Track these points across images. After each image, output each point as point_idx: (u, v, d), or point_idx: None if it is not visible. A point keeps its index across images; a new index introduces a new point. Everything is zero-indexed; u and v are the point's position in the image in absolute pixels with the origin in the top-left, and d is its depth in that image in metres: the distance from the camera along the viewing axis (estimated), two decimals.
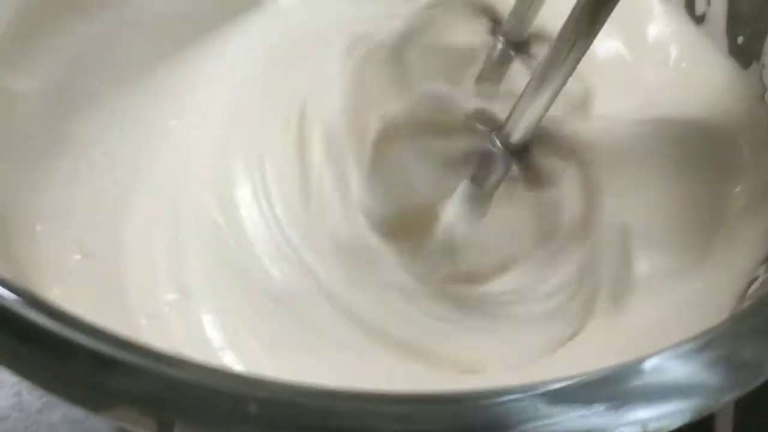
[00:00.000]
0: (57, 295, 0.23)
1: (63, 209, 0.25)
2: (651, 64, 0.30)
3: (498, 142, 0.27)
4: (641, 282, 0.25)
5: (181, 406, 0.14)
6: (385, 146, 0.26)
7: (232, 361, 0.23)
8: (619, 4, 0.29)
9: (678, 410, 0.15)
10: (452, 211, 0.26)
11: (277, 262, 0.24)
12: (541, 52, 0.30)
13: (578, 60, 0.23)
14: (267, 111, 0.28)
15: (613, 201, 0.26)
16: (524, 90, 0.25)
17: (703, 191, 0.26)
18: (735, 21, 0.28)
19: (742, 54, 0.28)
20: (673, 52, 0.30)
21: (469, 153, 0.27)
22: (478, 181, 0.27)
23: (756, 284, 0.20)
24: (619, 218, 0.26)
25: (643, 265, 0.25)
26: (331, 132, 0.26)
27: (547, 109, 0.25)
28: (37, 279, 0.23)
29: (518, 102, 0.25)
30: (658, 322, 0.23)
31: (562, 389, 0.15)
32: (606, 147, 0.27)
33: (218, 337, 0.23)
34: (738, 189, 0.26)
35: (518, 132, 0.26)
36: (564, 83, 0.24)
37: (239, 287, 0.24)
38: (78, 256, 0.24)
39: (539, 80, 0.24)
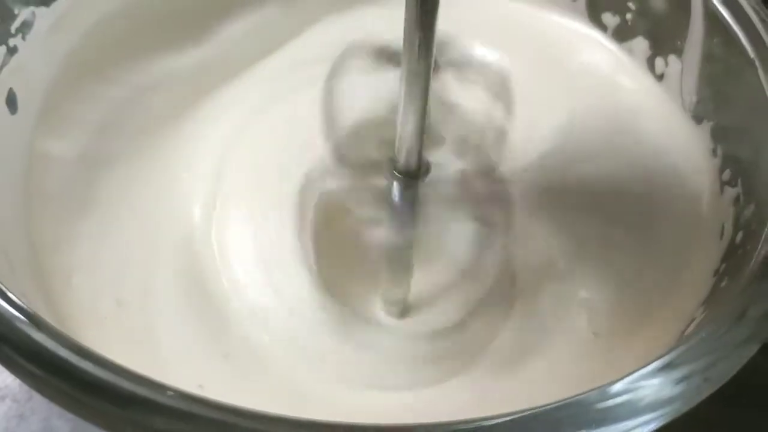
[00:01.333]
0: (93, 337, 0.24)
1: (96, 262, 0.27)
2: (614, 113, 0.32)
3: (400, 175, 0.28)
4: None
5: None
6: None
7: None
8: (587, 57, 0.32)
9: (643, 423, 0.18)
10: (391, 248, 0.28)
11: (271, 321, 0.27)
12: None
13: (427, 73, 0.24)
14: (271, 163, 0.31)
15: (564, 247, 0.28)
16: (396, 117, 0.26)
17: (650, 239, 0.28)
18: (688, 82, 0.31)
19: (695, 112, 0.30)
20: (636, 104, 0.32)
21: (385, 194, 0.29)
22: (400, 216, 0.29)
23: (693, 325, 0.23)
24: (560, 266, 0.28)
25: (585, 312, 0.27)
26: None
27: (419, 125, 0.26)
28: (75, 324, 0.25)
29: (397, 130, 0.26)
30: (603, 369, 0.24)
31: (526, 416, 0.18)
32: (554, 193, 0.30)
33: None
34: (686, 236, 0.28)
35: (410, 157, 0.27)
36: (424, 96, 0.25)
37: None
38: (111, 303, 0.26)
39: (403, 103, 0.25)
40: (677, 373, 0.19)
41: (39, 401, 0.32)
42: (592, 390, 0.18)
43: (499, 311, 0.27)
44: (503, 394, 0.24)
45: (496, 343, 0.26)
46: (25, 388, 0.31)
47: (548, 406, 0.18)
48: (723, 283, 0.24)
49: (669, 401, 0.19)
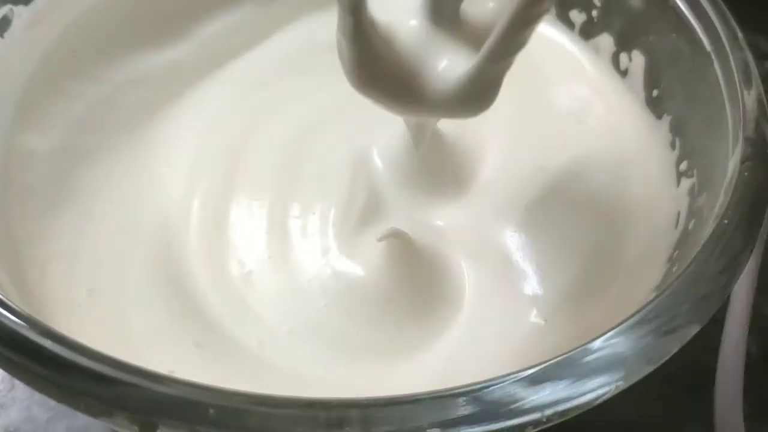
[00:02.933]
0: (67, 325, 0.25)
1: (72, 254, 0.28)
2: (576, 109, 0.33)
3: None
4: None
5: (159, 412, 0.17)
6: None
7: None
8: (551, 58, 0.33)
9: (624, 375, 0.19)
10: None
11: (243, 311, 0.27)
12: None
13: None
14: (247, 158, 0.31)
15: (516, 237, 0.29)
16: None
17: (607, 229, 0.29)
18: (650, 77, 0.32)
19: (656, 106, 0.31)
20: (598, 102, 0.33)
21: None
22: None
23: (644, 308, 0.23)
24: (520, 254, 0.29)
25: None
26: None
27: None
28: (49, 312, 0.26)
29: None
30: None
31: (536, 373, 0.19)
32: (511, 183, 0.30)
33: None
34: (642, 226, 0.29)
35: None
36: None
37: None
38: (85, 293, 0.27)
39: None
40: (652, 326, 0.20)
41: (20, 391, 0.32)
42: (575, 348, 0.20)
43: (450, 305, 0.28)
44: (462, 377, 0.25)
45: (447, 333, 0.27)
46: (7, 377, 0.32)
47: (536, 367, 0.19)
48: (674, 269, 0.24)
49: (647, 352, 0.20)
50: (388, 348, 0.26)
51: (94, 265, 0.28)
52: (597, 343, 0.20)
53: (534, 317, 0.27)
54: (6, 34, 0.30)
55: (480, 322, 0.27)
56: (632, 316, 0.21)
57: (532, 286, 0.28)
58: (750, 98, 0.25)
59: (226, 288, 0.28)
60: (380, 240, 0.27)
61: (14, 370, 0.19)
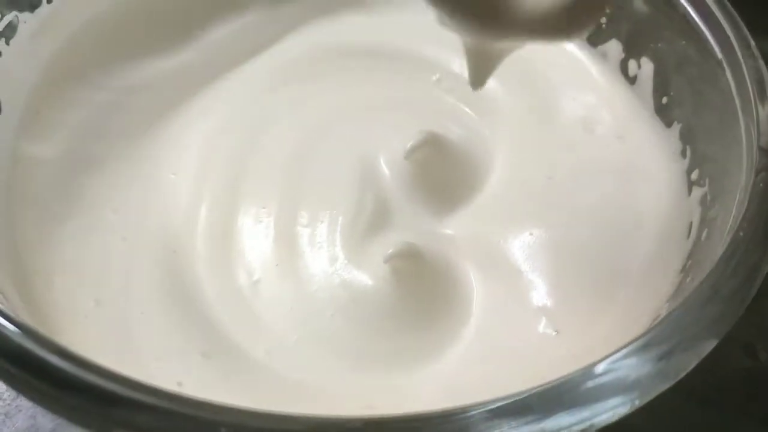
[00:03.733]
0: (73, 337, 0.25)
1: (78, 264, 0.28)
2: (584, 119, 0.32)
3: None
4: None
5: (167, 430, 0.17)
6: None
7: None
8: (558, 65, 0.32)
9: (627, 400, 0.19)
10: None
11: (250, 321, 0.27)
12: None
13: None
14: (262, 161, 0.31)
15: (524, 246, 0.29)
16: None
17: (617, 240, 0.29)
18: (659, 84, 0.31)
19: (665, 114, 0.31)
20: (606, 109, 0.33)
21: None
22: None
23: (657, 320, 0.23)
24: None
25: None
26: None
27: None
28: (55, 323, 0.25)
29: None
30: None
31: (521, 400, 0.18)
32: (522, 198, 0.30)
33: None
34: (654, 237, 0.28)
35: None
36: None
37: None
38: (92, 304, 0.27)
39: None
40: (657, 351, 0.20)
41: (25, 399, 0.31)
42: (577, 371, 0.19)
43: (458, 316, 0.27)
44: (472, 387, 0.25)
45: (456, 343, 0.27)
46: None
47: (537, 389, 0.19)
48: (688, 279, 0.24)
49: (651, 378, 0.19)
50: (396, 358, 0.26)
51: (100, 274, 0.28)
52: (611, 362, 0.20)
53: (543, 327, 0.27)
54: (12, 42, 0.30)
55: (489, 332, 0.27)
56: (647, 333, 0.20)
57: (541, 295, 0.28)
58: (764, 107, 0.25)
59: (234, 297, 0.28)
60: (386, 261, 0.27)
61: (16, 385, 0.19)
